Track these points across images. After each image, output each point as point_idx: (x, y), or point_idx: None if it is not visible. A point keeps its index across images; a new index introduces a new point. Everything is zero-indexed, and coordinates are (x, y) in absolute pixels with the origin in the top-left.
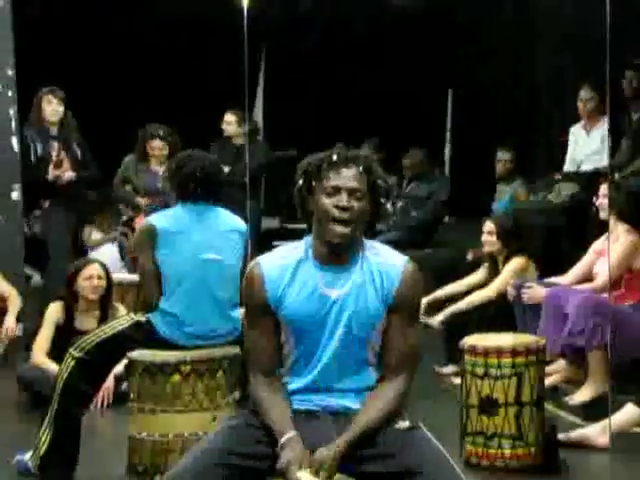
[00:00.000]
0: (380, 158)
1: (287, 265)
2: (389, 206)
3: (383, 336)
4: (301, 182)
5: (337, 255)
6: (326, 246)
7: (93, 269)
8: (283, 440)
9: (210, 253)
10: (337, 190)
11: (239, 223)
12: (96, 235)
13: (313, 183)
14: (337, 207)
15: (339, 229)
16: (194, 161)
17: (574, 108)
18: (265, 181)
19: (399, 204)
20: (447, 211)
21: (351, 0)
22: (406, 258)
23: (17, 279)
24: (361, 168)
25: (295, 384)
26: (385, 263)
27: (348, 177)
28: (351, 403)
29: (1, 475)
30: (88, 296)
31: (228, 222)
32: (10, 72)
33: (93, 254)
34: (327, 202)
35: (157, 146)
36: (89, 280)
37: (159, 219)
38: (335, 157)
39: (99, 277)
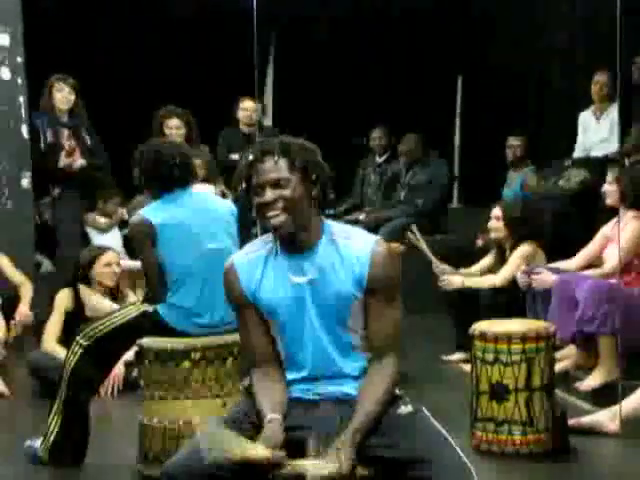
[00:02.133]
0: (388, 144)
1: (258, 259)
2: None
3: (365, 319)
4: (243, 188)
5: (294, 243)
6: (280, 238)
7: (111, 256)
8: (265, 422)
9: (212, 242)
10: (261, 187)
11: (230, 205)
12: (100, 220)
13: (247, 186)
14: (262, 205)
15: (274, 221)
16: (169, 149)
17: (585, 94)
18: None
19: (402, 192)
20: (448, 195)
21: None
22: (375, 239)
23: (27, 266)
24: (276, 156)
25: (293, 375)
26: (354, 246)
27: (266, 171)
28: (350, 389)
29: (12, 462)
30: (107, 283)
31: (220, 206)
32: (19, 59)
33: (98, 240)
34: (257, 201)
35: (174, 124)
36: (109, 267)
37: (154, 214)
38: (251, 156)
39: (117, 264)
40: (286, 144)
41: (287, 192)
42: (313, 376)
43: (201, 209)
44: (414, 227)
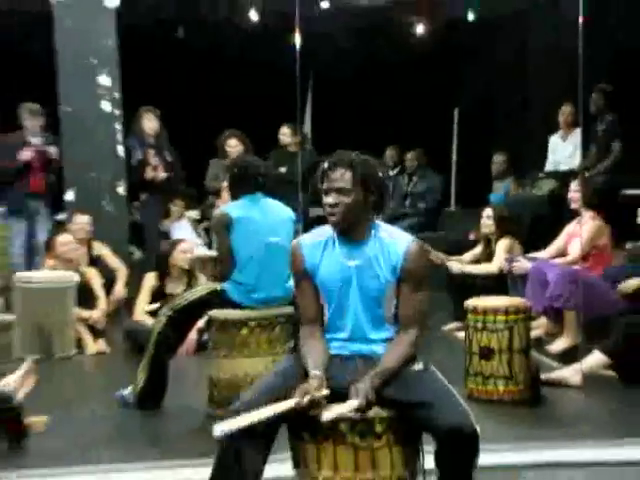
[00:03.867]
0: (398, 160)
1: (320, 242)
2: (386, 191)
3: (397, 300)
4: (318, 186)
5: (348, 235)
6: (336, 231)
7: (185, 246)
8: (310, 376)
9: (272, 237)
10: (327, 191)
11: (291, 213)
12: (167, 222)
13: (320, 186)
14: (327, 205)
15: (331, 219)
16: (256, 163)
17: (553, 122)
18: (313, 178)
19: (407, 200)
20: (446, 200)
21: (379, 39)
22: (411, 238)
23: (123, 255)
24: (343, 169)
25: (334, 335)
26: (394, 242)
27: (334, 179)
28: (378, 349)
29: (109, 404)
30: (182, 266)
31: (283, 212)
32: (117, 95)
33: (175, 234)
34: (324, 201)
35: (234, 143)
36: (183, 254)
37: (233, 209)
38: (326, 165)
39: (191, 252)
40: (353, 160)
41: (346, 199)
42: (350, 338)
43: (268, 212)
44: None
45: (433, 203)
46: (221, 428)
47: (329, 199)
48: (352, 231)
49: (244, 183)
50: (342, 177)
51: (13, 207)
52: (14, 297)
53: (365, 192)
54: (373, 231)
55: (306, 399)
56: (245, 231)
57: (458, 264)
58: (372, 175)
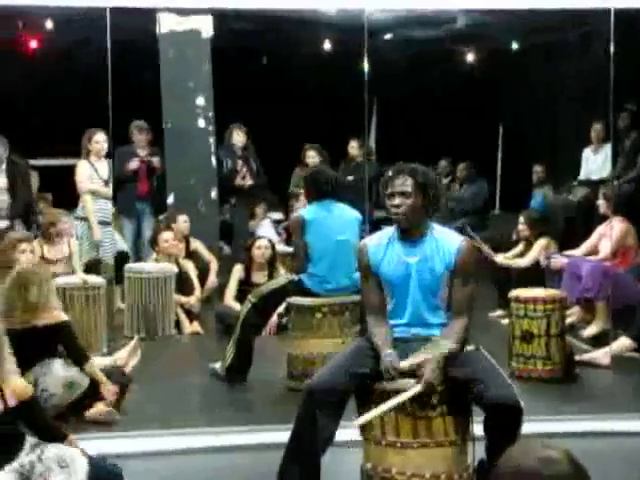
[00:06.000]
0: (450, 171)
1: (382, 242)
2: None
3: (449, 291)
4: (383, 191)
5: (408, 234)
6: (399, 229)
7: (261, 242)
8: (383, 355)
9: (341, 236)
10: (392, 195)
11: (357, 214)
12: (252, 222)
13: (384, 191)
14: (392, 206)
15: (395, 218)
16: (329, 173)
17: (586, 137)
18: (377, 186)
19: (459, 204)
20: (492, 204)
21: (434, 65)
22: (462, 238)
23: (214, 250)
24: (406, 176)
25: (397, 321)
26: (447, 241)
27: (398, 184)
28: (434, 332)
29: (202, 375)
30: (259, 259)
31: (350, 214)
32: (210, 113)
33: (258, 233)
34: (388, 203)
35: (312, 155)
36: (259, 249)
37: (307, 212)
38: (390, 173)
39: (265, 247)
40: (414, 169)
41: (408, 201)
42: (409, 323)
43: (337, 214)
44: (468, 227)
45: (480, 207)
46: (360, 419)
47: (393, 201)
48: (411, 231)
49: (316, 190)
50: (405, 183)
51: (124, 208)
52: (124, 285)
53: (423, 197)
54: (429, 231)
55: (422, 386)
56: (317, 230)
57: (499, 257)
58: (430, 182)
